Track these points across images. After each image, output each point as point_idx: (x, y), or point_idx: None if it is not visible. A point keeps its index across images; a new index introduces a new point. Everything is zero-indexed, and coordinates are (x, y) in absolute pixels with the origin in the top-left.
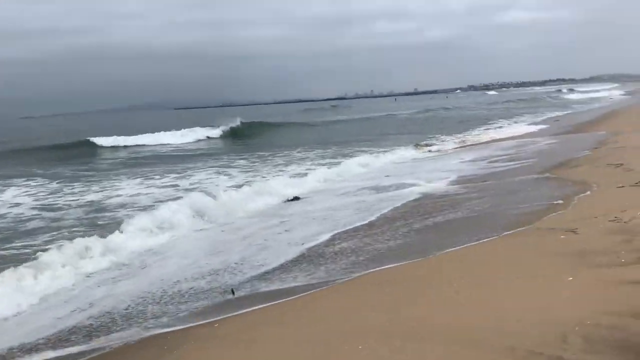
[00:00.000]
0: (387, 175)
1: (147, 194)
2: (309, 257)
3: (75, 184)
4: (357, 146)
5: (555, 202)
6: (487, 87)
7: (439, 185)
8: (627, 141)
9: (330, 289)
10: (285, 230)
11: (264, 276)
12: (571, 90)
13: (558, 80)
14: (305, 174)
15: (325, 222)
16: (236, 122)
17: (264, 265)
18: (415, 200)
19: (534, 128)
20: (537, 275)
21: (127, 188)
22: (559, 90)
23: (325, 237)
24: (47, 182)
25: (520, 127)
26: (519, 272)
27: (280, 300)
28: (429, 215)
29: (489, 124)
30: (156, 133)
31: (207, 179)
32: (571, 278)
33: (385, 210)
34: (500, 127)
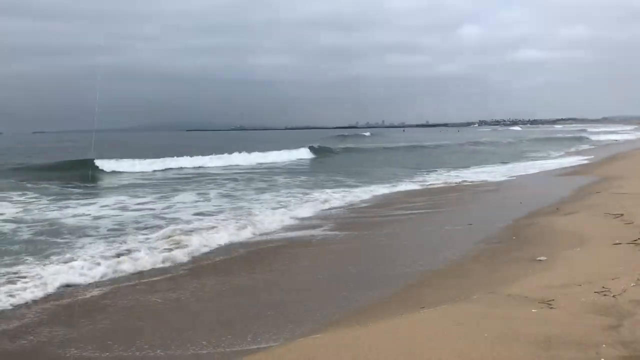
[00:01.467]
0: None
1: (113, 216)
2: None
3: (64, 201)
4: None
5: (538, 259)
6: (498, 123)
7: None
8: (632, 187)
9: None
10: None
11: None
12: (598, 131)
13: (569, 119)
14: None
15: None
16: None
17: None
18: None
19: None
20: None
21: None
22: (584, 130)
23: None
24: (36, 197)
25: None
26: None
27: None
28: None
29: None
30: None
31: (183, 202)
32: None
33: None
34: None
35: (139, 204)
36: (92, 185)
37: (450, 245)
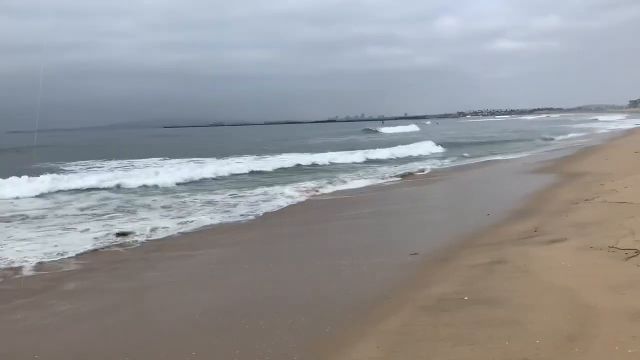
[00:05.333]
0: None
1: None
2: None
3: None
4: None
5: None
6: (476, 114)
7: None
8: (630, 192)
9: None
10: None
11: None
12: (602, 121)
13: (546, 109)
14: None
15: None
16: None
17: None
18: None
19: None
20: None
21: None
22: (596, 120)
23: None
24: None
25: None
26: None
27: None
28: None
29: None
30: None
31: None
32: None
33: None
34: None
35: None
36: None
37: (327, 318)
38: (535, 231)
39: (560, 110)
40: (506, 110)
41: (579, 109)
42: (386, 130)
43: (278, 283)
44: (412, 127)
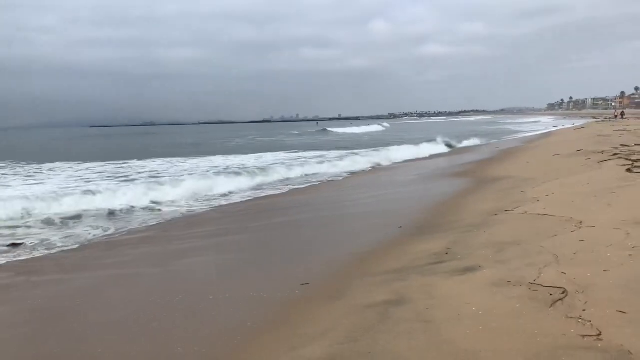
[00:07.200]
0: None
1: None
2: None
3: None
4: None
5: None
6: (407, 115)
7: None
8: (551, 202)
9: None
10: None
11: None
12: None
13: (472, 111)
14: None
15: None
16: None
17: None
18: None
19: None
20: None
21: None
22: (536, 122)
23: None
24: None
25: None
26: None
27: None
28: None
29: None
30: None
31: None
32: None
33: None
34: None
35: None
36: None
37: None
38: (447, 253)
39: (485, 112)
40: (435, 112)
41: (502, 111)
42: (349, 130)
43: (114, 329)
44: (377, 127)
